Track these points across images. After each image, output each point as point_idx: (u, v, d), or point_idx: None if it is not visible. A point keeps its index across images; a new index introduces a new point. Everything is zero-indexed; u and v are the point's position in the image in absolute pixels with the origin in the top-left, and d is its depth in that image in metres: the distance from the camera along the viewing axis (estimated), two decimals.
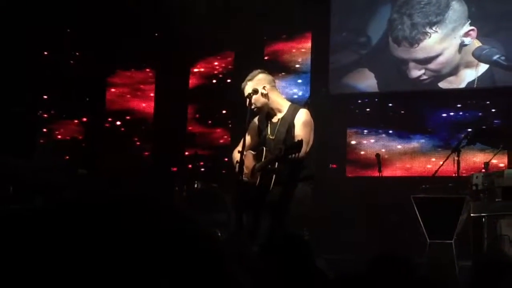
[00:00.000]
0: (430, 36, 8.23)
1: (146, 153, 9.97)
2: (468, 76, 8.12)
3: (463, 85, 8.19)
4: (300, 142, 4.48)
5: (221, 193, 7.31)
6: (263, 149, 4.86)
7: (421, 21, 8.30)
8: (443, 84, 8.27)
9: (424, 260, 6.03)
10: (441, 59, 8.20)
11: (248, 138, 5.04)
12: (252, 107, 4.92)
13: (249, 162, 4.92)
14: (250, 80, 4.96)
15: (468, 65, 8.12)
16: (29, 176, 6.50)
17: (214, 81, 9.79)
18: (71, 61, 9.49)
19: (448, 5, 8.23)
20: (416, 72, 8.32)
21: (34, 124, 8.99)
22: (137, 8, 8.96)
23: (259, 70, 5.09)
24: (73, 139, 9.61)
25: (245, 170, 4.84)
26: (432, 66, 8.23)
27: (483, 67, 8.06)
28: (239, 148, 5.04)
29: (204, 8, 8.76)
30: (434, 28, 8.23)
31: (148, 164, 9.79)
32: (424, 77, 8.29)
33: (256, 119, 5.08)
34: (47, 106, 9.39)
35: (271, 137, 4.92)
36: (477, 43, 8.10)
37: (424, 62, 8.28)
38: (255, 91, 4.89)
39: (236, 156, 4.98)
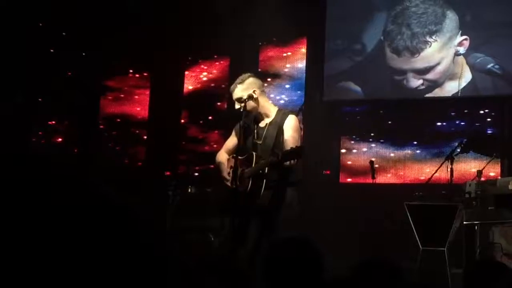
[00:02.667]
0: (431, 45, 8.25)
1: (140, 157, 9.94)
2: (453, 86, 8.18)
3: (449, 94, 8.23)
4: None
5: (214, 197, 7.29)
6: (253, 154, 4.84)
7: (420, 31, 8.32)
8: (433, 93, 8.30)
9: (416, 267, 6.03)
10: (439, 68, 8.21)
11: (232, 142, 5.06)
12: (243, 121, 4.92)
13: (233, 166, 4.92)
14: (240, 83, 4.96)
15: (453, 76, 8.18)
16: None
17: (209, 85, 9.78)
18: (65, 64, 9.46)
19: (444, 14, 8.26)
20: (415, 82, 8.31)
21: (26, 126, 8.97)
22: (132, 11, 8.96)
23: (249, 74, 5.08)
24: (65, 142, 9.58)
25: (231, 175, 4.81)
26: (430, 76, 8.24)
27: (468, 77, 8.10)
28: (224, 150, 5.06)
29: (199, 13, 8.77)
30: (433, 37, 8.25)
31: (141, 168, 9.77)
32: (422, 87, 8.30)
33: (238, 124, 5.06)
34: (40, 108, 9.36)
35: (258, 142, 4.91)
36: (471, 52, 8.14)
37: (423, 72, 8.28)
38: (249, 97, 4.89)
39: (221, 158, 5.00)
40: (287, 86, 9.22)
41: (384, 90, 8.59)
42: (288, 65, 9.29)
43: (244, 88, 4.92)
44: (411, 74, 8.34)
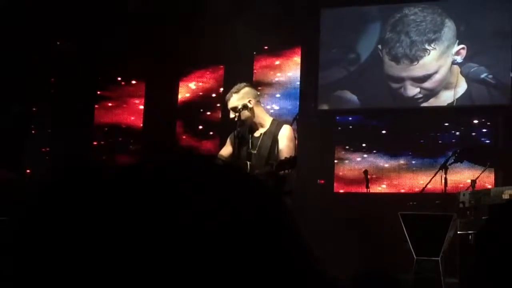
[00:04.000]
0: (429, 53, 8.28)
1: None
2: (448, 95, 8.21)
3: (444, 103, 8.26)
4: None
5: None
6: (247, 163, 4.85)
7: (419, 39, 8.35)
8: (428, 103, 8.33)
9: (411, 277, 6.03)
10: (437, 77, 8.24)
11: (226, 151, 5.07)
12: (238, 130, 4.92)
13: None
14: (235, 92, 4.96)
15: (449, 86, 8.22)
16: (18, 190, 6.47)
17: (203, 95, 9.79)
18: (59, 73, 9.45)
19: (443, 23, 8.29)
20: (412, 91, 8.33)
21: (23, 136, 8.95)
22: (128, 20, 8.97)
23: (244, 83, 5.09)
24: (61, 151, 9.55)
25: None
26: (428, 84, 8.27)
27: (463, 87, 8.13)
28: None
29: (194, 22, 8.78)
30: (432, 45, 8.28)
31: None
32: (419, 95, 8.32)
33: (233, 133, 5.07)
34: (36, 118, 9.35)
35: (253, 151, 4.92)
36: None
37: (421, 80, 8.30)
38: (244, 106, 4.89)
39: None
40: (282, 95, 9.23)
41: (379, 99, 8.61)
42: (282, 75, 9.31)
43: (239, 98, 4.92)
44: (409, 82, 8.36)
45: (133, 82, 10.07)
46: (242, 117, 4.90)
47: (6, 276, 0.75)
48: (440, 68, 8.23)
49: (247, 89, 5.01)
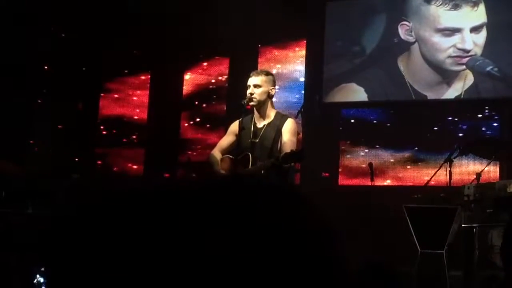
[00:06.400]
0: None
1: (139, 159, 9.94)
2: (457, 87, 8.16)
3: (452, 96, 8.22)
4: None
5: None
6: (249, 155, 4.87)
7: None
8: (431, 94, 8.31)
9: (415, 270, 6.03)
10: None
11: (227, 141, 5.10)
12: (246, 101, 4.97)
13: (228, 166, 4.96)
14: (265, 74, 5.08)
15: (460, 76, 8.17)
16: (21, 181, 6.49)
17: (209, 86, 9.79)
18: (65, 65, 9.46)
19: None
20: (470, 44, 8.10)
21: (26, 126, 8.97)
22: (132, 12, 8.97)
23: (271, 72, 5.29)
24: (66, 143, 9.58)
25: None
26: (479, 38, 8.08)
27: (470, 79, 8.09)
28: (217, 149, 5.10)
29: (199, 13, 8.77)
30: None
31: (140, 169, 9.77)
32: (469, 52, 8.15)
33: (236, 122, 5.10)
34: (40, 109, 9.37)
35: (255, 141, 4.95)
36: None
37: (477, 30, 8.12)
38: (265, 90, 4.96)
39: (214, 158, 5.04)
40: (286, 88, 9.22)
41: (385, 92, 8.59)
42: (287, 67, 9.30)
43: (266, 80, 5.02)
44: (467, 32, 8.17)
45: (138, 74, 10.08)
46: (259, 98, 4.97)
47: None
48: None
49: (273, 78, 5.14)
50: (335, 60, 8.81)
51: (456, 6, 8.17)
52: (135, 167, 9.89)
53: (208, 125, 9.67)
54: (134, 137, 10.00)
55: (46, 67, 9.24)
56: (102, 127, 9.99)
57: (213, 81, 9.76)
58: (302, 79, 9.18)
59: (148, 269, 0.75)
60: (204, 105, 9.73)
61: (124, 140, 9.96)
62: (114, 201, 0.82)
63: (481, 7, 8.11)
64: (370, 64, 8.63)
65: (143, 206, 0.81)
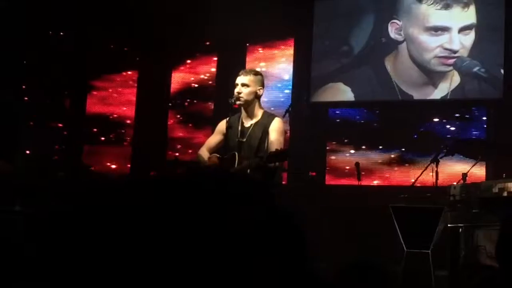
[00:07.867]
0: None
1: (126, 157, 9.91)
2: (443, 87, 8.19)
3: (438, 96, 8.25)
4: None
5: None
6: (235, 154, 4.87)
7: None
8: (417, 95, 8.33)
9: (401, 269, 6.05)
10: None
11: (214, 140, 5.10)
12: (233, 99, 4.97)
13: (215, 165, 4.96)
14: (254, 74, 5.07)
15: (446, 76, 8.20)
16: (9, 179, 6.46)
17: (196, 85, 9.77)
18: (53, 62, 9.42)
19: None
20: (457, 44, 8.12)
21: (14, 124, 8.92)
22: (120, 10, 8.94)
23: (260, 72, 5.29)
24: (52, 141, 9.54)
25: None
26: (467, 40, 8.12)
27: (456, 80, 8.12)
28: (205, 148, 5.10)
29: (187, 12, 8.76)
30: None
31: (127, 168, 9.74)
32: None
33: (224, 121, 5.11)
34: (27, 107, 9.32)
35: (242, 140, 4.95)
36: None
37: (467, 29, 8.14)
38: (252, 90, 4.95)
39: (201, 157, 5.04)
40: (274, 87, 9.22)
41: (372, 92, 8.61)
42: (275, 66, 9.30)
43: (254, 80, 5.02)
44: (455, 32, 8.17)
45: (126, 72, 10.05)
46: (246, 97, 4.97)
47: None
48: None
49: (262, 78, 5.14)
50: (323, 59, 8.82)
51: (447, 6, 8.20)
52: (121, 165, 9.85)
53: (195, 124, 9.65)
54: (121, 135, 9.96)
55: (31, 64, 9.18)
56: (89, 125, 9.95)
57: (201, 79, 9.75)
58: (290, 78, 9.18)
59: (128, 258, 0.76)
60: (191, 103, 9.71)
61: (112, 137, 9.93)
62: (99, 198, 0.83)
63: (472, 8, 8.14)
64: (357, 64, 8.65)
65: (123, 202, 0.82)
